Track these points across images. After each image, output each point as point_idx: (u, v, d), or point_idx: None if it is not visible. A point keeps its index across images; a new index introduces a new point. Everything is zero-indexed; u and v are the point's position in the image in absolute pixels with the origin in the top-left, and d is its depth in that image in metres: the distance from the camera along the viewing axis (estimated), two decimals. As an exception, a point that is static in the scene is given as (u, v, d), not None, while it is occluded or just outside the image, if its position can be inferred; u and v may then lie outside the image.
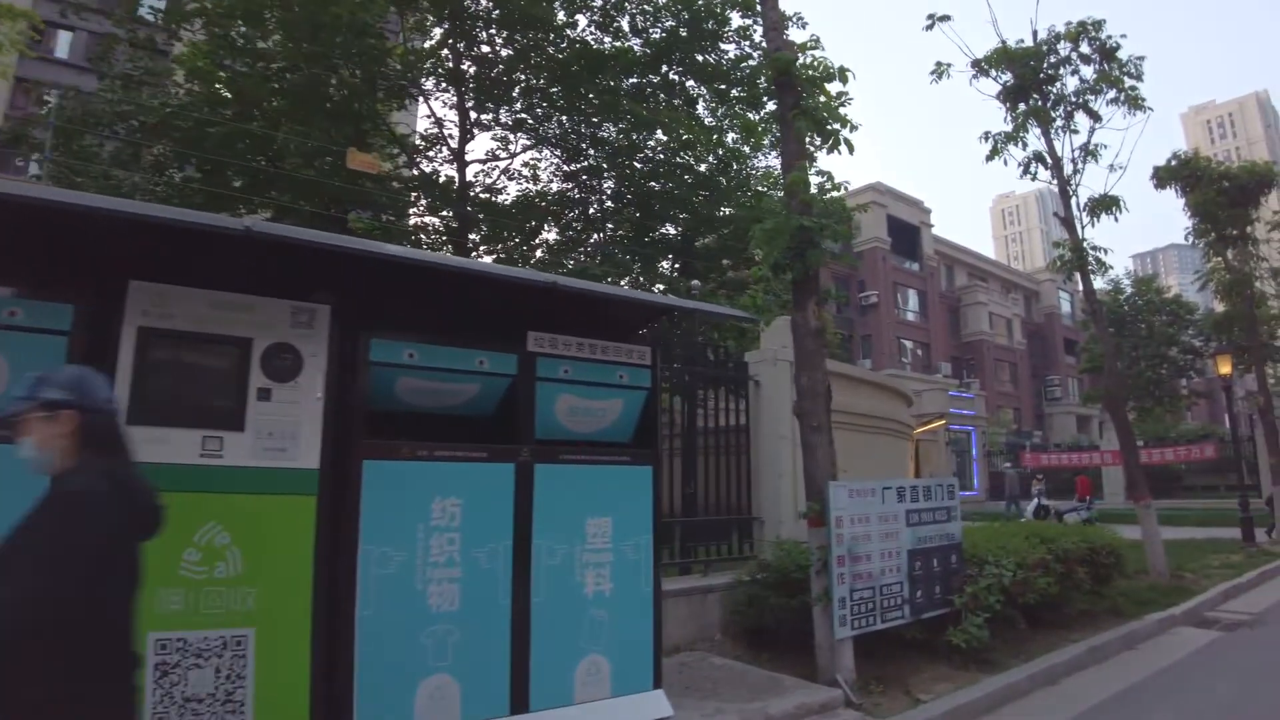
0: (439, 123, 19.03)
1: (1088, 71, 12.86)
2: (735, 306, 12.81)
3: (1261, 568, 12.69)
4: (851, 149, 7.06)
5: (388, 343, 4.06)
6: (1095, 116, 12.68)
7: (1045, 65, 12.98)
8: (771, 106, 15.31)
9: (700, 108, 19.14)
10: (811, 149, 8.37)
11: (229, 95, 15.34)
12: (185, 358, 3.68)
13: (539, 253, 19.82)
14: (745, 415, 8.86)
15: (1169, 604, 9.34)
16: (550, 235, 20.58)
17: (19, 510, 2.11)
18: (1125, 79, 12.52)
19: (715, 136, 18.24)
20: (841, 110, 7.58)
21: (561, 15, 17.19)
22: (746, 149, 18.88)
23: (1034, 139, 12.83)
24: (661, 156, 18.38)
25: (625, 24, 17.92)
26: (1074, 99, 12.86)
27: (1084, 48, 12.83)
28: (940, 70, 12.78)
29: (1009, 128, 12.87)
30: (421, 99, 18.57)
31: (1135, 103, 12.50)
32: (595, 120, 18.24)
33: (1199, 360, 41.59)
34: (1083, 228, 12.33)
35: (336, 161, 14.43)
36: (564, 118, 18.60)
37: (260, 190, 15.70)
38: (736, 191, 18.36)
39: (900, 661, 6.50)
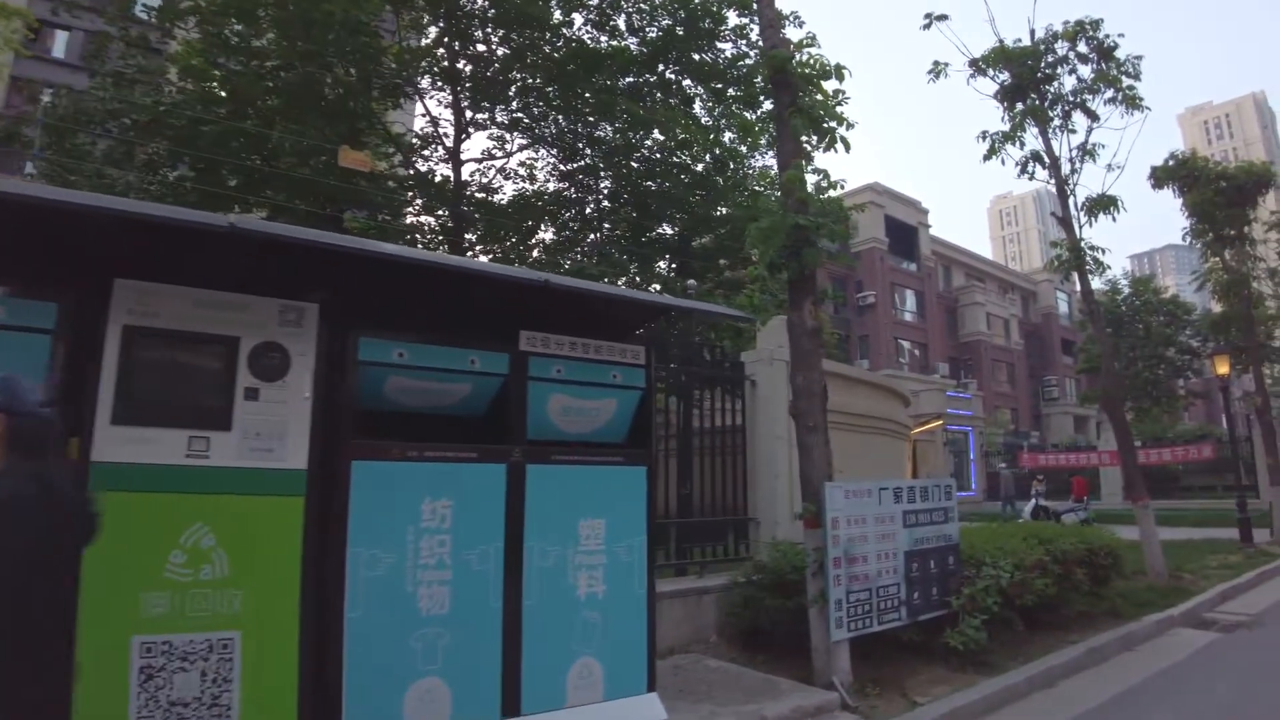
0: (434, 121, 18.98)
1: (1085, 71, 12.84)
2: (732, 306, 12.75)
3: (1260, 568, 12.66)
4: (848, 147, 7.02)
5: (377, 341, 4.00)
6: (1093, 116, 12.66)
7: (1043, 64, 12.94)
8: (768, 106, 15.27)
9: (697, 107, 19.09)
10: (808, 148, 8.33)
11: (223, 94, 15.27)
12: (171, 357, 3.62)
13: (535, 252, 19.75)
14: (741, 415, 8.81)
15: (1167, 605, 9.30)
16: (547, 235, 20.53)
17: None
18: (1123, 78, 12.49)
19: (712, 136, 18.19)
20: (838, 108, 7.51)
21: (558, 14, 17.13)
22: (743, 148, 18.83)
23: (1032, 138, 12.81)
24: (658, 156, 18.32)
25: (621, 23, 17.87)
26: (1071, 98, 12.84)
27: (1081, 47, 12.81)
28: (938, 70, 12.75)
29: (1006, 127, 12.84)
30: (417, 98, 18.50)
31: (1133, 102, 12.48)
32: (592, 120, 18.18)
33: (1196, 361, 41.60)
34: (1080, 227, 12.31)
35: (331, 160, 14.36)
36: (560, 117, 18.54)
37: (255, 189, 15.63)
38: (733, 191, 18.31)
39: (897, 664, 6.45)
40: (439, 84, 18.23)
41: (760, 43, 8.42)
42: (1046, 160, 12.64)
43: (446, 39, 17.61)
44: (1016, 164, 12.91)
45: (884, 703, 5.79)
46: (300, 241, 3.55)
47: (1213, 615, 9.53)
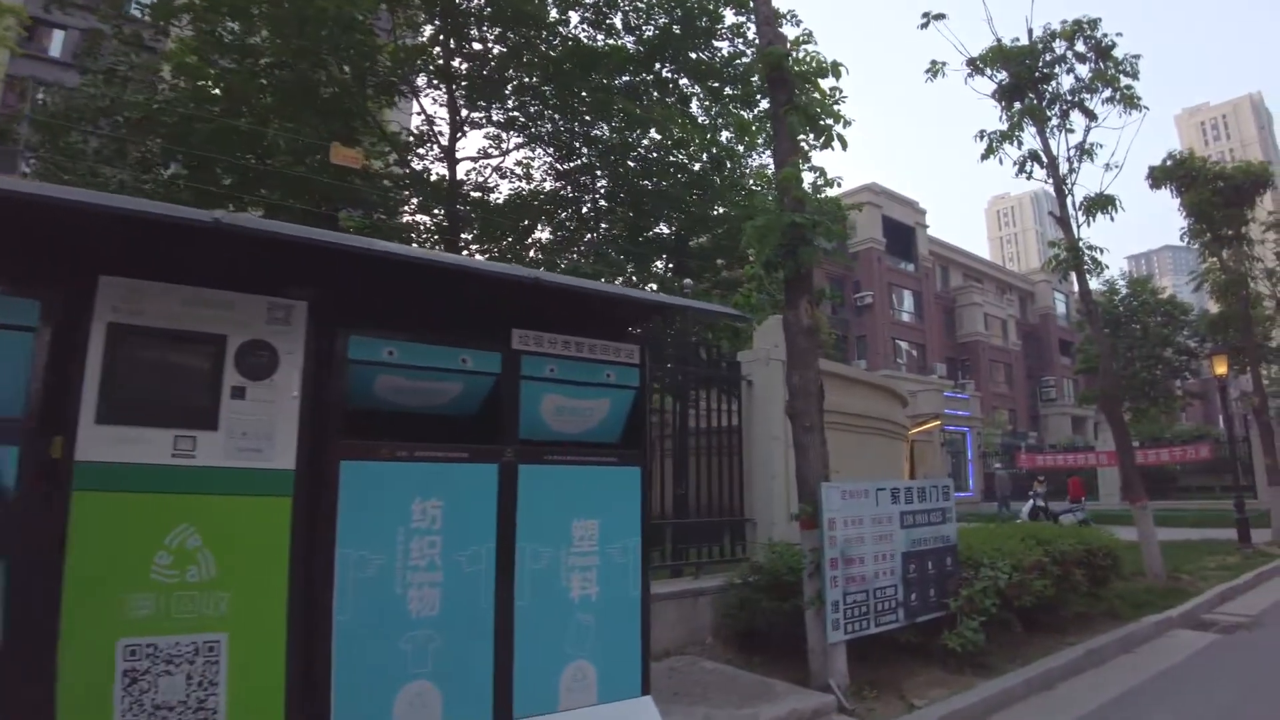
0: (429, 120, 18.91)
1: (1083, 70, 12.87)
2: (728, 306, 12.70)
3: (1258, 569, 12.64)
4: (845, 145, 6.98)
5: (367, 340, 3.94)
6: (1091, 115, 12.66)
7: (1041, 64, 12.95)
8: (765, 105, 15.21)
9: (694, 106, 19.03)
10: (805, 146, 8.30)
11: (218, 92, 15.19)
12: (157, 355, 3.55)
13: (532, 252, 19.69)
14: (738, 416, 8.77)
15: (1166, 606, 9.27)
16: (543, 235, 20.46)
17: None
18: (1121, 77, 12.49)
19: (709, 136, 18.13)
20: (835, 106, 7.47)
21: (554, 12, 17.07)
22: (740, 148, 18.78)
23: (1029, 138, 12.83)
24: (655, 155, 18.26)
25: (618, 21, 17.80)
26: (1069, 97, 12.85)
27: (1079, 46, 12.81)
28: (935, 69, 12.73)
29: (1004, 126, 12.85)
30: (412, 96, 18.43)
31: (1131, 101, 12.47)
32: (588, 119, 18.12)
33: (1194, 361, 41.65)
34: (1078, 227, 12.29)
35: (326, 159, 14.29)
36: (557, 116, 18.47)
37: (250, 188, 15.56)
38: (730, 190, 18.26)
39: (894, 666, 6.41)
40: (435, 82, 18.16)
41: (757, 41, 8.37)
42: (1044, 160, 12.64)
43: (442, 37, 17.54)
44: (1014, 163, 12.93)
45: (881, 705, 5.75)
46: (287, 238, 3.49)
47: (1211, 616, 9.51)
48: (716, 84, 18.40)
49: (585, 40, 17.55)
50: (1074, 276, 12.83)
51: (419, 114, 19.12)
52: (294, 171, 14.73)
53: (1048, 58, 12.92)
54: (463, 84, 17.84)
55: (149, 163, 15.33)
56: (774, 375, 8.62)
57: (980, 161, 13.29)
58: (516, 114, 18.59)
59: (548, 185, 20.06)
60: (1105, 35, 12.64)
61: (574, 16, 17.64)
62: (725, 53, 18.31)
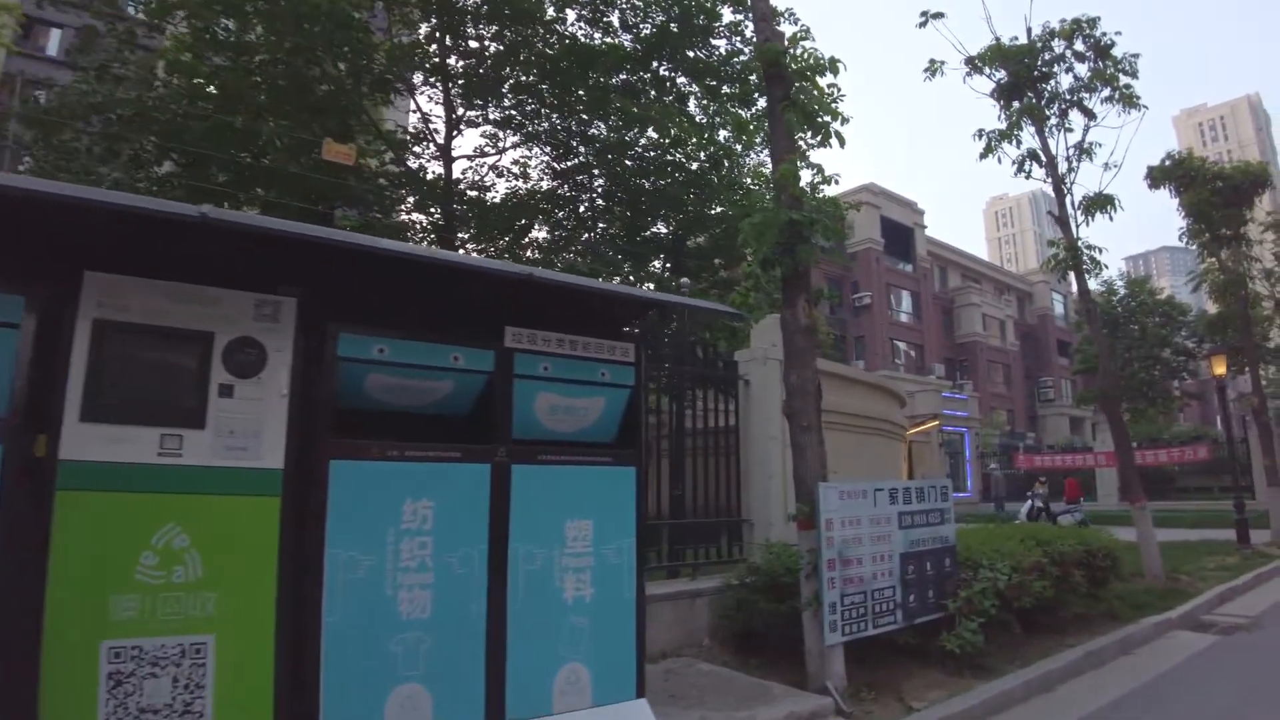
0: (425, 118, 18.86)
1: (1082, 69, 12.79)
2: (725, 305, 12.65)
3: (1257, 570, 12.60)
4: (843, 142, 6.92)
5: (357, 337, 3.88)
6: (1090, 114, 12.60)
7: (1039, 63, 12.89)
8: (763, 104, 15.16)
9: (691, 105, 18.99)
10: (802, 144, 8.24)
11: (213, 90, 15.11)
12: (143, 352, 3.49)
13: (529, 252, 19.64)
14: (735, 415, 8.72)
15: (1165, 607, 9.22)
16: (541, 234, 20.41)
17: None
18: (1120, 76, 12.43)
19: (706, 135, 18.09)
20: (833, 103, 7.41)
21: (551, 10, 17.01)
22: (738, 147, 18.74)
23: (1028, 137, 12.76)
24: (653, 154, 18.22)
25: (615, 19, 17.75)
26: (1068, 96, 12.79)
27: (1078, 45, 12.76)
28: (934, 68, 12.67)
29: (1003, 126, 12.76)
30: (408, 93, 18.37)
31: (1129, 101, 12.41)
32: (585, 117, 18.08)
33: (1192, 362, 41.65)
34: (1077, 226, 12.23)
35: (321, 157, 14.22)
36: (554, 115, 18.42)
37: (245, 186, 15.48)
38: (728, 190, 18.22)
39: (892, 667, 6.35)
40: (431, 80, 18.11)
41: (754, 39, 8.32)
42: (1043, 159, 12.58)
43: (438, 34, 17.48)
44: (1013, 162, 12.86)
45: (879, 708, 5.69)
46: (274, 232, 3.43)
47: (1211, 618, 9.46)
48: (714, 82, 18.36)
49: (582, 38, 17.50)
50: (1073, 276, 12.78)
51: (415, 112, 19.07)
52: (289, 169, 14.66)
53: (1046, 56, 12.86)
54: (459, 82, 17.78)
55: (142, 160, 15.25)
56: (771, 374, 8.57)
57: (979, 160, 13.26)
58: (513, 112, 18.53)
59: (545, 184, 20.00)
60: (1104, 34, 12.59)
61: (571, 14, 17.60)
62: (723, 51, 18.30)
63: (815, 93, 6.87)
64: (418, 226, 19.08)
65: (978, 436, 43.23)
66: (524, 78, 17.71)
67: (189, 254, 3.58)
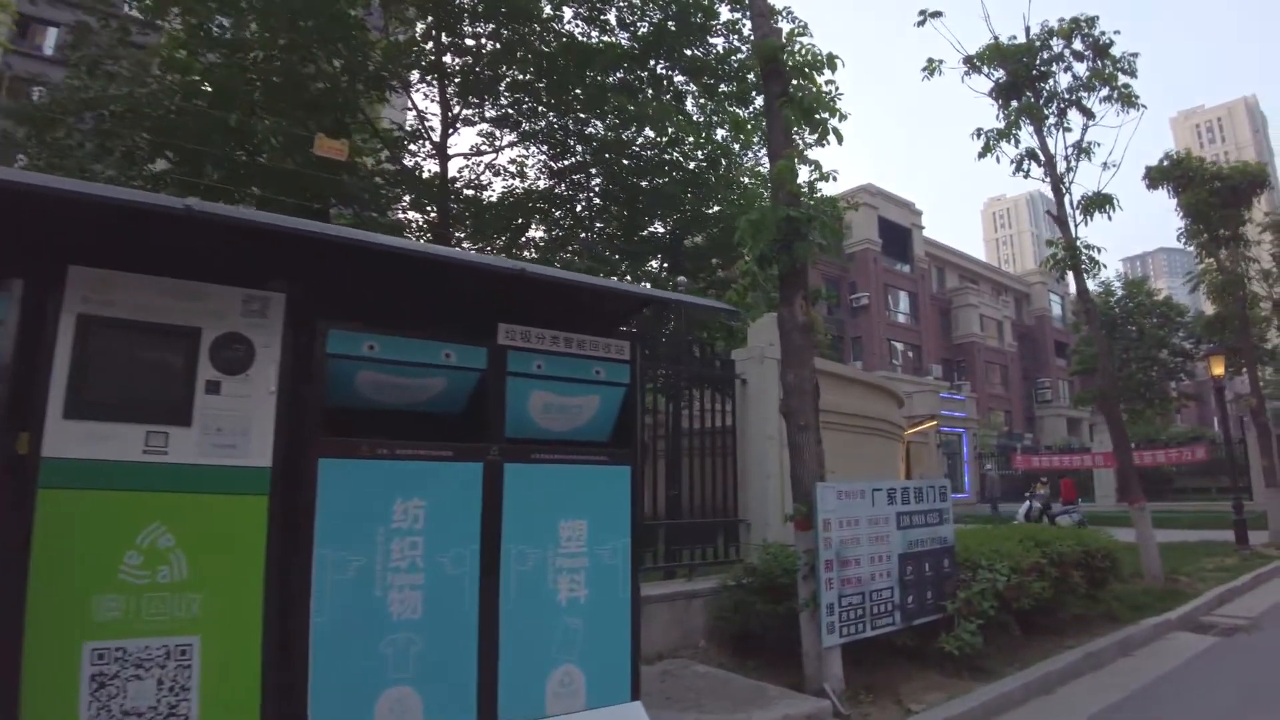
0: (420, 116, 18.78)
1: (1081, 68, 12.75)
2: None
3: (1256, 571, 12.57)
4: (841, 139, 6.86)
5: (347, 334, 3.81)
6: (1088, 113, 12.56)
7: (1038, 62, 12.85)
8: (760, 102, 15.13)
9: (689, 104, 18.93)
10: (800, 142, 8.18)
11: (207, 88, 15.02)
12: (128, 348, 3.42)
13: (526, 251, 19.58)
14: (732, 415, 8.66)
15: (1164, 609, 9.18)
16: (538, 233, 20.33)
17: None
18: (1119, 75, 12.39)
19: (704, 134, 18.04)
20: (831, 100, 7.34)
21: (547, 8, 16.95)
22: (736, 146, 18.69)
23: (1027, 136, 12.71)
24: (650, 153, 18.16)
25: (612, 17, 17.69)
26: (1067, 96, 12.74)
27: (1077, 44, 12.72)
28: (932, 67, 12.62)
29: (1001, 125, 12.72)
30: (403, 91, 18.30)
31: (1128, 100, 12.38)
32: (582, 116, 18.01)
33: (1189, 363, 41.68)
34: (1076, 226, 12.18)
35: (316, 154, 14.15)
36: (551, 114, 18.36)
37: (240, 183, 15.40)
38: (726, 188, 18.16)
39: (890, 669, 6.30)
40: (428, 78, 18.04)
41: (752, 37, 8.27)
42: (1042, 158, 12.53)
43: (434, 32, 17.42)
44: (1011, 161, 12.80)
45: (877, 710, 5.64)
46: (260, 226, 3.36)
47: (1210, 619, 9.41)
48: (712, 81, 18.30)
49: (580, 36, 17.43)
50: (1071, 277, 12.74)
51: (410, 110, 19.00)
52: (284, 167, 14.58)
53: (1045, 56, 12.82)
54: (455, 80, 17.72)
55: (136, 157, 15.15)
56: (768, 373, 8.51)
57: (978, 159, 13.21)
58: (510, 111, 18.47)
59: (542, 183, 19.93)
60: (1103, 33, 12.55)
61: (568, 12, 17.56)
62: (720, 49, 18.22)
63: (813, 89, 6.80)
64: (413, 225, 19.00)
65: (975, 437, 43.18)
66: (521, 76, 17.64)
67: (176, 249, 3.52)
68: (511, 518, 4.19)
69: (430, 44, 17.65)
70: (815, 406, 6.38)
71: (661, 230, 19.43)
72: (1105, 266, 12.77)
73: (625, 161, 18.08)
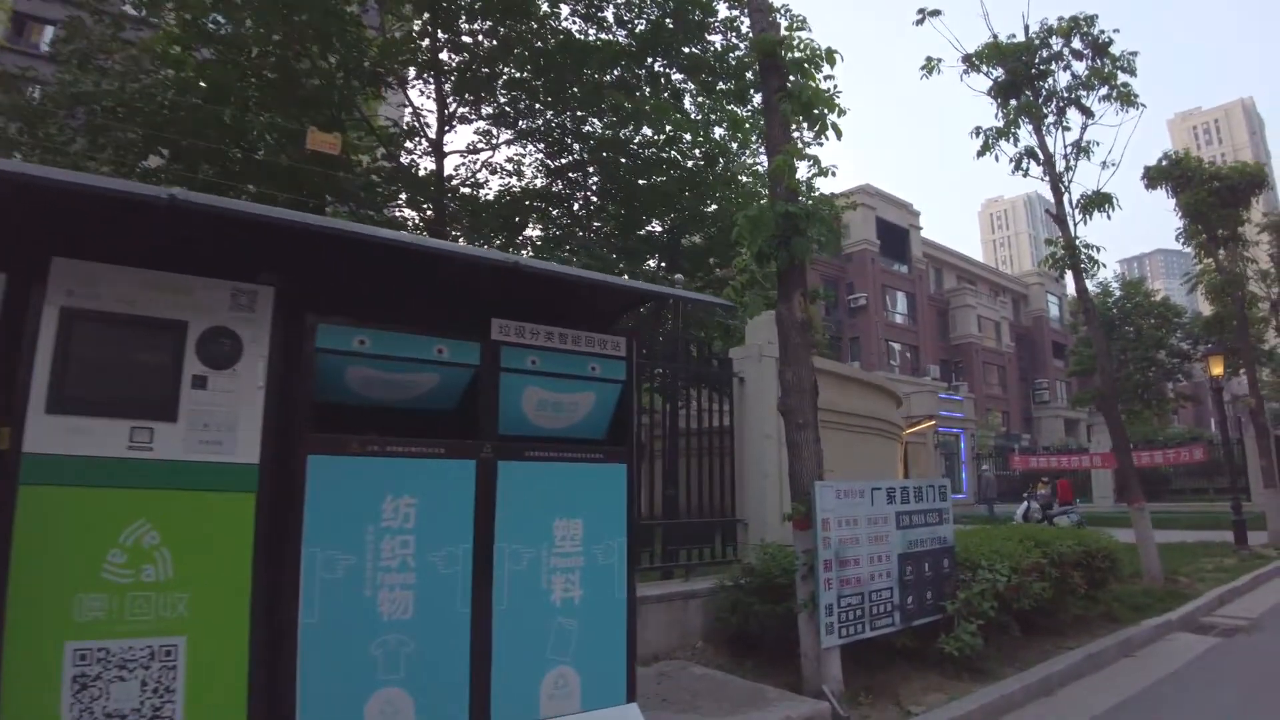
0: (416, 113, 18.71)
1: (1080, 67, 12.70)
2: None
3: (1255, 571, 12.53)
4: (839, 134, 6.79)
5: (337, 328, 3.73)
6: (1087, 112, 12.51)
7: (1037, 60, 12.80)
8: (759, 100, 15.09)
9: (686, 102, 18.87)
10: (798, 138, 8.10)
11: (203, 85, 14.94)
12: (113, 342, 3.34)
13: (524, 250, 19.51)
14: (730, 414, 8.59)
15: (1164, 609, 9.13)
16: (535, 232, 20.27)
17: None
18: (1118, 74, 12.34)
19: (702, 132, 17.98)
20: (829, 95, 7.26)
21: (545, 6, 16.90)
22: (734, 145, 18.63)
23: (1026, 135, 12.66)
24: (648, 151, 18.10)
25: (610, 15, 17.64)
26: (1066, 94, 12.70)
27: (1076, 43, 12.67)
28: (930, 65, 12.57)
29: (1000, 123, 12.68)
30: (399, 88, 18.23)
31: (1127, 99, 12.33)
32: (580, 114, 17.95)
33: (1186, 363, 41.70)
34: (1075, 225, 12.13)
35: (311, 151, 14.07)
36: (548, 111, 18.30)
37: (234, 180, 15.31)
38: (723, 187, 18.11)
39: (890, 670, 6.23)
40: (424, 75, 17.97)
41: (750, 34, 8.20)
42: (1040, 157, 12.48)
43: (431, 29, 17.35)
44: (1010, 160, 12.75)
45: (876, 711, 5.58)
46: (246, 216, 3.29)
47: (1211, 619, 9.36)
48: (709, 79, 18.25)
49: (577, 34, 17.38)
50: (1070, 277, 12.69)
51: (406, 106, 18.94)
52: (279, 163, 14.50)
53: (1044, 54, 12.78)
54: (452, 77, 17.65)
55: (127, 152, 15.05)
56: (766, 372, 8.44)
57: (977, 158, 13.14)
58: (507, 108, 18.40)
59: (539, 181, 19.87)
60: (1102, 32, 12.50)
61: (565, 9, 17.54)
62: (718, 47, 18.18)
63: (811, 84, 6.72)
64: (410, 223, 18.94)
65: (973, 438, 43.19)
66: (518, 73, 17.59)
67: (163, 240, 3.45)
68: (505, 516, 4.11)
69: (427, 40, 17.59)
70: (814, 405, 6.31)
71: (659, 229, 19.38)
72: (1104, 266, 12.70)
73: (623, 160, 18.03)
